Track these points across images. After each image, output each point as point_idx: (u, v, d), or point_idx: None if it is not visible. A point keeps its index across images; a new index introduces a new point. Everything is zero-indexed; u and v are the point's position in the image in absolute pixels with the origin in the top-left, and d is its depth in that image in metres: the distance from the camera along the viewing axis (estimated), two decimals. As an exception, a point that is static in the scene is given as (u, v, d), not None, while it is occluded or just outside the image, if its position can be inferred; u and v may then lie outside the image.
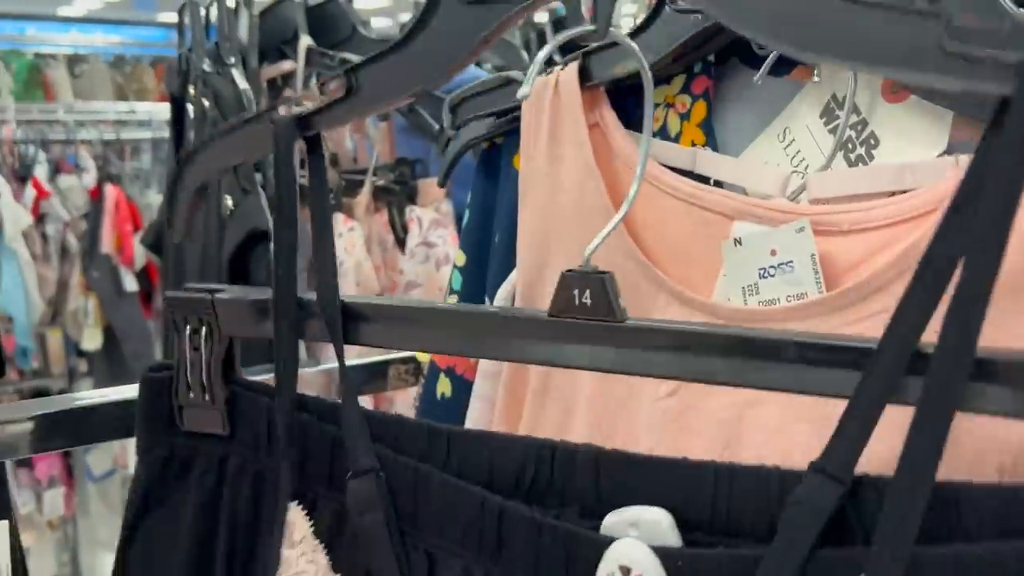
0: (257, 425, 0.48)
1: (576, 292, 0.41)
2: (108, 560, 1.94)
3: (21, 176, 2.13)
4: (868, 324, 0.43)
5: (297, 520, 0.44)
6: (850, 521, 0.33)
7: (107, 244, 2.12)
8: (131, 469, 2.30)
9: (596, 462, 0.40)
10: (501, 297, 0.69)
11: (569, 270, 0.42)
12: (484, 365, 0.60)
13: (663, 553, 0.36)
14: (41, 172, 2.13)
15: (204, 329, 0.48)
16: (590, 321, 0.41)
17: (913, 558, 0.31)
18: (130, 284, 2.15)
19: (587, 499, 0.40)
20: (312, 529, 0.44)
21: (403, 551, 0.44)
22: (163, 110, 2.36)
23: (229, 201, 0.83)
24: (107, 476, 2.74)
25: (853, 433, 0.33)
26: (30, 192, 2.10)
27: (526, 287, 0.58)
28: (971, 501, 0.32)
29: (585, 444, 0.41)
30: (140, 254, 2.19)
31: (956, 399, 0.31)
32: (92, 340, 2.19)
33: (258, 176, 0.84)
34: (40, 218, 2.12)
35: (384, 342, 0.51)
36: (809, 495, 0.33)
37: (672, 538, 0.37)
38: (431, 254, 0.95)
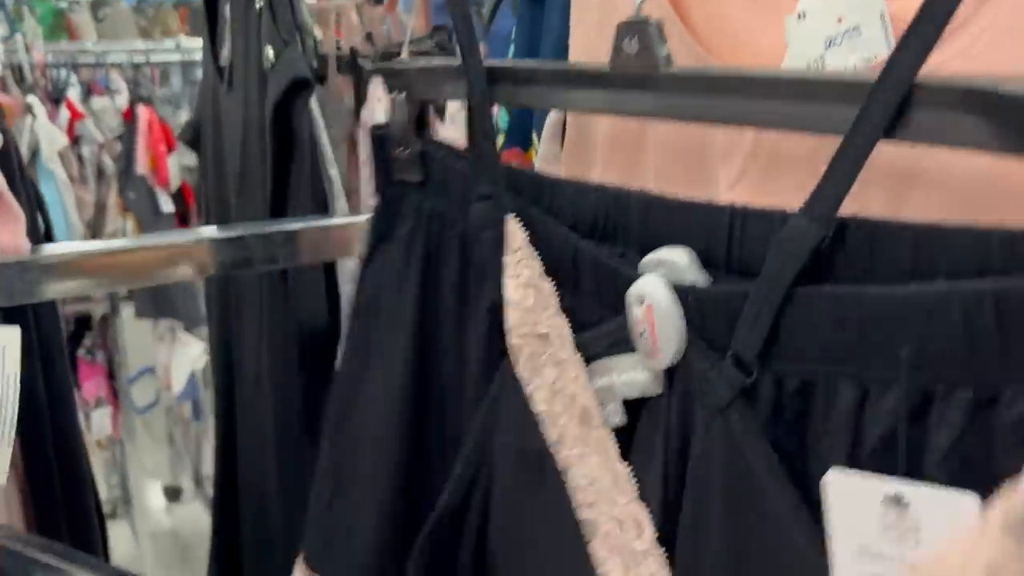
0: (440, 175, 0.56)
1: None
2: (156, 487, 2.00)
3: (54, 99, 2.14)
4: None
5: (514, 231, 0.49)
6: (835, 262, 0.35)
7: (142, 165, 2.14)
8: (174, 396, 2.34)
9: (647, 207, 0.45)
10: (549, 124, 0.69)
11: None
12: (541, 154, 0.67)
13: (676, 288, 0.40)
14: (74, 94, 2.14)
15: (404, 94, 0.57)
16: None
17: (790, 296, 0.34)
18: (166, 205, 2.17)
19: (644, 240, 0.45)
20: (528, 237, 0.49)
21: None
22: (189, 42, 2.36)
23: (270, 52, 0.82)
24: (150, 407, 2.81)
25: (839, 176, 0.34)
26: (64, 114, 2.11)
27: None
28: (888, 238, 0.34)
29: (639, 191, 0.45)
30: (175, 175, 2.20)
31: (878, 128, 0.32)
32: (131, 261, 2.22)
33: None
34: (75, 140, 2.13)
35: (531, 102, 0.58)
36: (792, 236, 0.35)
37: (692, 275, 0.41)
38: (472, 117, 0.94)
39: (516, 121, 0.72)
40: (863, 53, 0.48)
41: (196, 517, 2.70)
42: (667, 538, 0.42)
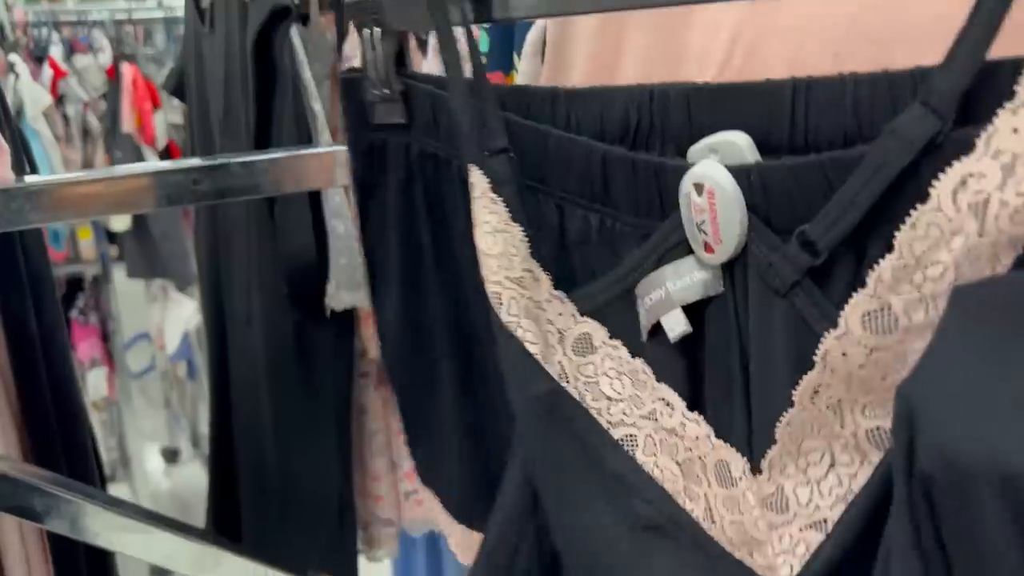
0: (426, 112, 0.53)
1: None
2: (154, 449, 2.00)
3: (37, 57, 2.12)
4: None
5: (477, 179, 0.47)
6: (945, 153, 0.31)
7: (127, 123, 2.12)
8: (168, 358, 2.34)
9: (687, 98, 0.40)
10: (529, 43, 0.69)
11: None
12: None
13: (736, 170, 0.37)
14: (56, 52, 2.12)
15: (376, 29, 0.54)
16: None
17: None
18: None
19: (683, 136, 0.41)
20: (489, 186, 0.47)
21: (537, 209, 0.47)
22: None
23: (249, -17, 0.82)
24: (146, 372, 2.82)
25: (960, 65, 0.30)
26: (47, 72, 2.09)
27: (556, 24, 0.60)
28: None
29: (678, 83, 0.41)
30: (162, 133, 2.19)
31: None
32: (120, 221, 2.21)
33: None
34: (59, 99, 2.12)
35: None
36: (906, 126, 0.32)
37: (751, 157, 0.37)
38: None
39: (497, 44, 0.72)
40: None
41: (194, 478, 2.73)
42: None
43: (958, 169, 0.29)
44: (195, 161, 0.70)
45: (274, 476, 1.04)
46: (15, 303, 0.73)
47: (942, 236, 0.30)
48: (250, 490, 1.09)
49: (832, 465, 0.35)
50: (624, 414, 0.43)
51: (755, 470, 0.38)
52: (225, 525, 1.17)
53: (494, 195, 0.46)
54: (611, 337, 0.44)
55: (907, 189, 0.32)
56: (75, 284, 2.37)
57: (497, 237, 0.45)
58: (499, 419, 0.59)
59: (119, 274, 2.42)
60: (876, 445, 0.34)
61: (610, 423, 0.43)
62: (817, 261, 0.34)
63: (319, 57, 0.90)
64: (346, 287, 0.90)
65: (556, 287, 0.46)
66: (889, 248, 0.32)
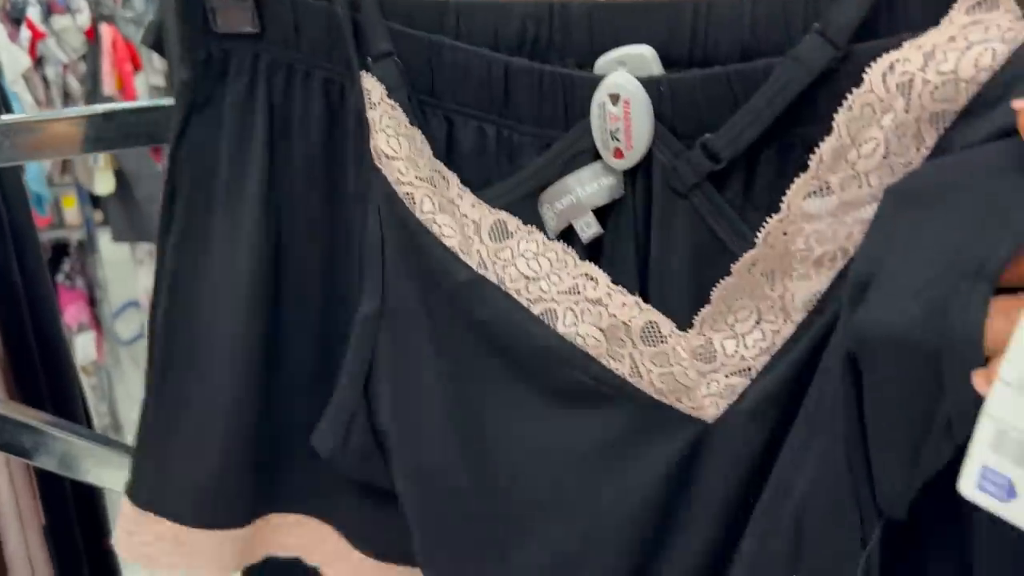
0: (285, 20, 0.50)
1: None
2: None
3: (14, 19, 2.10)
4: None
5: (372, 85, 0.47)
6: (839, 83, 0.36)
7: (108, 85, 2.11)
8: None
9: (589, 13, 0.42)
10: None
11: None
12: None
13: (646, 80, 0.40)
14: (34, 13, 2.10)
15: None
16: None
17: None
18: (136, 126, 2.14)
19: (583, 50, 0.43)
20: (386, 91, 0.47)
21: (422, 120, 0.47)
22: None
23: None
24: (136, 339, 2.82)
25: (854, 2, 0.35)
26: (25, 34, 2.07)
27: None
28: None
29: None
30: (144, 95, 2.18)
31: None
32: (104, 185, 2.21)
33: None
34: (39, 61, 2.10)
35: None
36: (806, 54, 0.36)
37: (657, 69, 0.40)
38: None
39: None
40: None
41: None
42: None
43: (887, 57, 0.32)
44: (150, 102, 0.71)
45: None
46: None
47: (874, 115, 0.33)
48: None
49: (758, 322, 0.39)
50: (542, 290, 0.45)
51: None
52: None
53: (392, 100, 0.46)
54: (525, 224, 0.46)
55: (801, 100, 0.36)
56: (61, 249, 2.36)
57: (401, 140, 0.46)
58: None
59: (104, 239, 2.42)
60: (802, 307, 0.38)
61: (530, 300, 0.45)
62: (718, 166, 0.39)
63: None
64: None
65: None
66: (781, 155, 0.37)
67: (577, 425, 0.45)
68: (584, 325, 0.44)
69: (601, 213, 0.43)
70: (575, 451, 0.45)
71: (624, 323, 0.43)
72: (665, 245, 0.41)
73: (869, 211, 0.35)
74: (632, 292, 0.43)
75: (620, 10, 0.41)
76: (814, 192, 0.35)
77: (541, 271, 0.45)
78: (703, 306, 0.41)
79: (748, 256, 0.38)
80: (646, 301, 0.43)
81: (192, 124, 0.53)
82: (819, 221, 0.35)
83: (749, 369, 0.40)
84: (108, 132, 0.67)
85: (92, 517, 0.88)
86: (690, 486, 0.42)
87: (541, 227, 0.46)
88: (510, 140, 0.45)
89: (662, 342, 0.42)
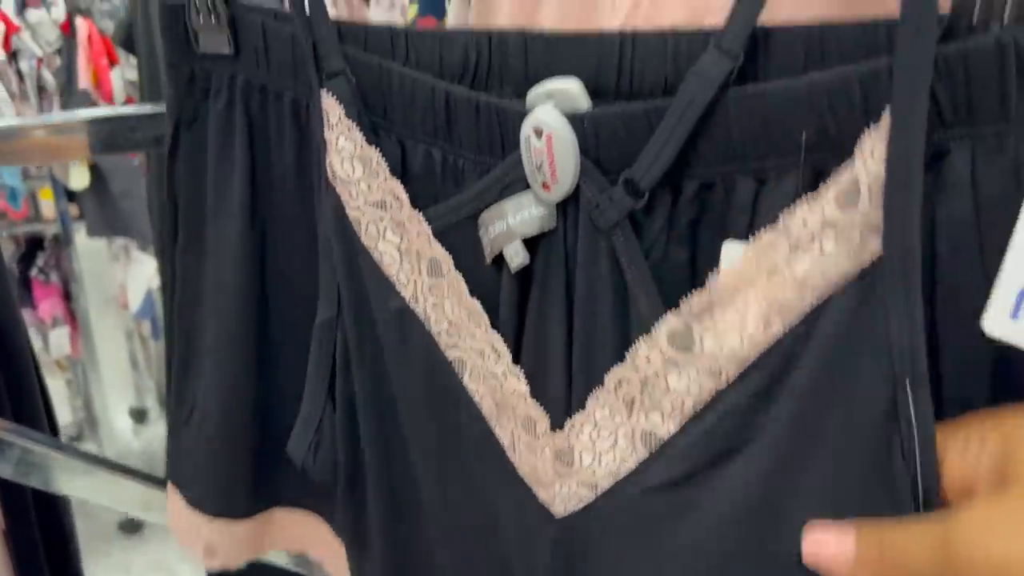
0: (256, 43, 0.52)
1: None
2: (121, 410, 1.97)
3: (-12, 11, 2.07)
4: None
5: (330, 105, 0.48)
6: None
7: (84, 80, 2.09)
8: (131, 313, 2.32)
9: (524, 44, 0.43)
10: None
11: None
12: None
13: (570, 116, 0.40)
14: (8, 6, 2.08)
15: None
16: None
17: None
18: (111, 121, 2.13)
19: (519, 79, 0.44)
20: (344, 112, 0.48)
21: (376, 141, 0.48)
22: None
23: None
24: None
25: (743, 16, 0.36)
26: (-1, 26, 2.05)
27: None
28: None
29: (516, 29, 0.44)
30: (120, 90, 2.16)
31: None
32: (79, 179, 2.19)
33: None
34: (13, 55, 2.08)
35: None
36: (705, 68, 0.36)
37: (584, 103, 0.41)
38: (395, 2, 0.94)
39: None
40: None
41: (163, 438, 2.72)
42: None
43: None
44: (130, 109, 0.71)
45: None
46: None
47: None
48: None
49: (615, 445, 0.41)
50: (458, 340, 0.46)
51: (564, 414, 0.43)
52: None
53: (349, 121, 0.48)
54: (457, 267, 0.46)
55: (711, 126, 0.37)
56: (35, 243, 2.35)
57: (356, 163, 0.48)
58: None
59: (81, 234, 2.40)
60: (646, 444, 0.40)
61: (447, 345, 0.47)
62: (639, 204, 0.39)
63: None
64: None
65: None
66: (701, 187, 0.38)
67: (471, 474, 0.48)
68: (483, 387, 0.46)
69: (536, 242, 0.44)
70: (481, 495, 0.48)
71: (512, 407, 0.44)
72: (590, 286, 0.41)
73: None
74: (553, 336, 0.43)
75: (553, 42, 0.42)
76: (677, 332, 0.37)
77: (460, 321, 0.46)
78: (623, 355, 0.41)
79: (615, 373, 0.40)
80: (570, 345, 0.43)
81: (182, 139, 0.56)
82: (680, 359, 0.38)
83: (596, 485, 0.42)
84: (84, 139, 0.67)
85: (54, 522, 0.88)
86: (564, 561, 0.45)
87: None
88: (456, 165, 0.46)
89: (536, 437, 0.44)
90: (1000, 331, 0.26)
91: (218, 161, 0.55)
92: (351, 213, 0.48)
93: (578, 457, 0.42)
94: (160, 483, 0.79)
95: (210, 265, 0.58)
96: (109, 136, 0.68)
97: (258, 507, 0.64)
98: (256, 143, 0.54)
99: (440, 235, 0.47)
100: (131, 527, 2.37)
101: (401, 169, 0.48)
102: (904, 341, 0.32)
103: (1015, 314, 0.25)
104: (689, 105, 0.36)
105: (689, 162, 0.38)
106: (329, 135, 0.48)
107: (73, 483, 0.73)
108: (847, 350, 0.34)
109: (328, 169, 0.49)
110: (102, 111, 0.71)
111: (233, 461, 0.61)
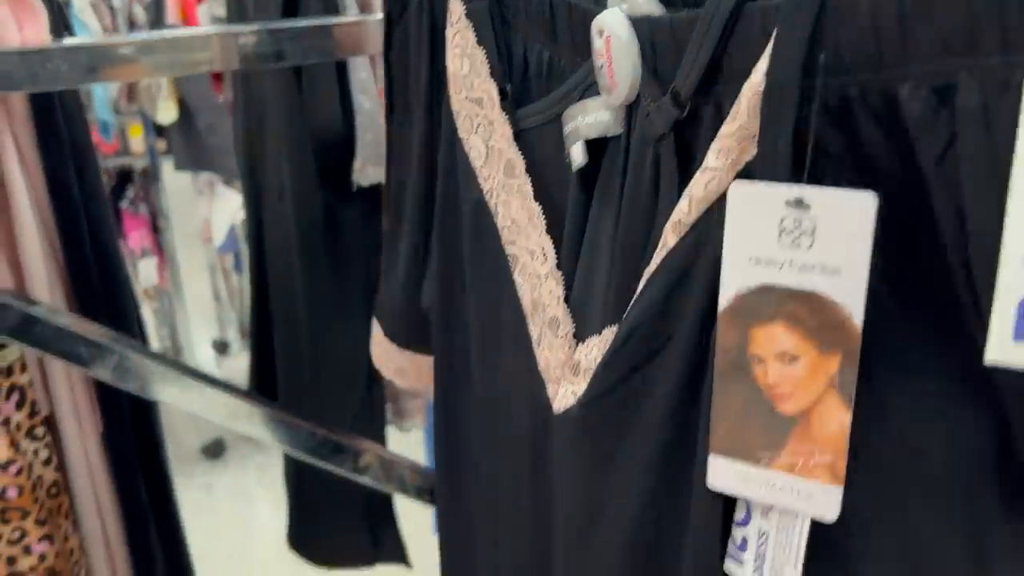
0: None
1: None
2: (204, 341, 2.03)
3: (82, -52, 2.13)
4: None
5: (454, 6, 0.53)
6: None
7: (172, 15, 2.14)
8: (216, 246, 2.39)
9: None
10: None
11: None
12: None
13: (637, 20, 0.40)
14: (101, -57, 2.13)
15: None
16: None
17: None
18: (198, 57, 2.17)
19: None
20: (465, 11, 0.52)
21: (507, 43, 0.52)
22: None
23: None
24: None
25: None
26: (93, -38, 2.10)
27: None
28: None
29: None
30: (206, 24, 2.20)
31: None
32: (167, 113, 2.26)
33: None
34: (105, -11, 2.13)
35: None
36: None
37: (652, 10, 0.40)
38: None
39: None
40: None
41: (244, 369, 2.83)
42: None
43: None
44: (214, 28, 0.73)
45: (306, 348, 1.09)
46: (56, 163, 0.77)
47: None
48: (285, 362, 1.15)
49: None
50: (517, 238, 0.50)
51: (600, 325, 0.45)
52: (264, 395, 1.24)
53: (468, 20, 0.51)
54: (542, 164, 0.49)
55: (741, 35, 0.35)
56: (125, 176, 2.43)
57: (464, 60, 0.52)
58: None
59: (168, 169, 2.48)
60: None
61: (507, 241, 0.51)
62: (682, 115, 0.37)
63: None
64: (372, 162, 0.92)
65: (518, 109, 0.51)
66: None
67: (512, 357, 0.52)
68: (527, 284, 0.50)
69: (605, 147, 0.45)
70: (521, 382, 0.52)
71: (544, 304, 0.48)
72: (634, 194, 0.41)
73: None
74: (608, 236, 0.44)
75: None
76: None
77: (521, 221, 0.50)
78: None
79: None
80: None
81: (393, 32, 0.61)
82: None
83: (577, 395, 0.45)
84: (165, 57, 0.69)
85: (146, 431, 0.93)
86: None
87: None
88: (560, 64, 0.49)
89: (556, 337, 0.47)
90: (1007, 357, 0.24)
91: (414, 56, 0.60)
92: (454, 105, 0.53)
93: (581, 372, 0.45)
94: (245, 395, 0.83)
95: (415, 140, 0.62)
96: (241, 50, 0.71)
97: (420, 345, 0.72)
98: (437, 44, 0.57)
99: (530, 133, 0.49)
100: (214, 451, 2.49)
101: (523, 68, 0.51)
102: None
103: (1017, 336, 0.23)
104: (715, 13, 0.35)
105: (729, 79, 0.36)
106: (448, 32, 0.53)
107: (166, 390, 0.77)
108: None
109: (448, 62, 0.53)
110: (184, 31, 0.73)
111: (418, 308, 0.67)
